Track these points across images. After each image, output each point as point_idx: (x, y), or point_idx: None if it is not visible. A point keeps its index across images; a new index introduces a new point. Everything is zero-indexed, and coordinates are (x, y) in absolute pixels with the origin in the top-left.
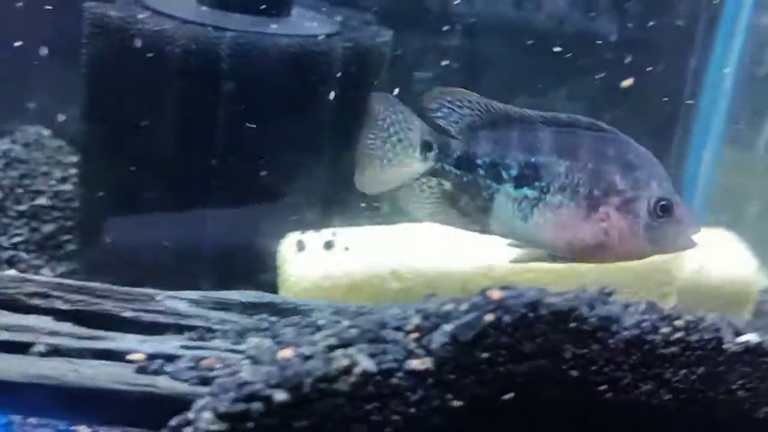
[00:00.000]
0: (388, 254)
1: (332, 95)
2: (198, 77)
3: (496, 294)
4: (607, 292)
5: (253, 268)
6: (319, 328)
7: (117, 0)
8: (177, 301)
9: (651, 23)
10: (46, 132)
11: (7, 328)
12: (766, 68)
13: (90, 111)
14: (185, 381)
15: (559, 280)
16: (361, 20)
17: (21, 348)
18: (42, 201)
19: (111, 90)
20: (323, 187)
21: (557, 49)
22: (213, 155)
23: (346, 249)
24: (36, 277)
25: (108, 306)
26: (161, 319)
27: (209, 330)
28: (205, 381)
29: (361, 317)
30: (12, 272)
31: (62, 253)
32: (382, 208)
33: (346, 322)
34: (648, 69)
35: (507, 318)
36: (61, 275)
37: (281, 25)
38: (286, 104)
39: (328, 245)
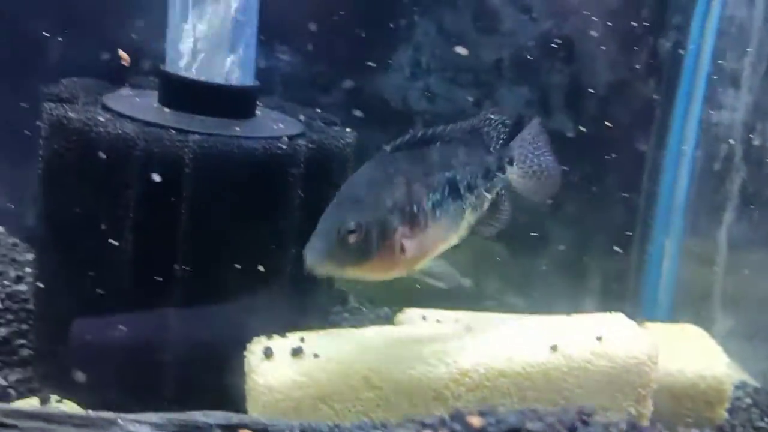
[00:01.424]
0: (359, 360)
1: (296, 197)
2: (160, 180)
3: (475, 421)
4: (587, 412)
5: (222, 374)
6: None
7: (78, 101)
8: (139, 426)
9: (608, 118)
10: (0, 228)
11: None
12: (719, 163)
13: (47, 213)
14: None
15: (534, 386)
16: (325, 120)
17: None
18: None
19: (69, 191)
20: (289, 290)
21: None
22: (176, 260)
23: (315, 356)
24: None
25: None
26: None
27: None
28: None
29: None
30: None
31: (16, 359)
32: (348, 302)
33: None
34: (606, 159)
35: None
36: (16, 382)
37: (245, 126)
38: (251, 207)
39: (296, 352)
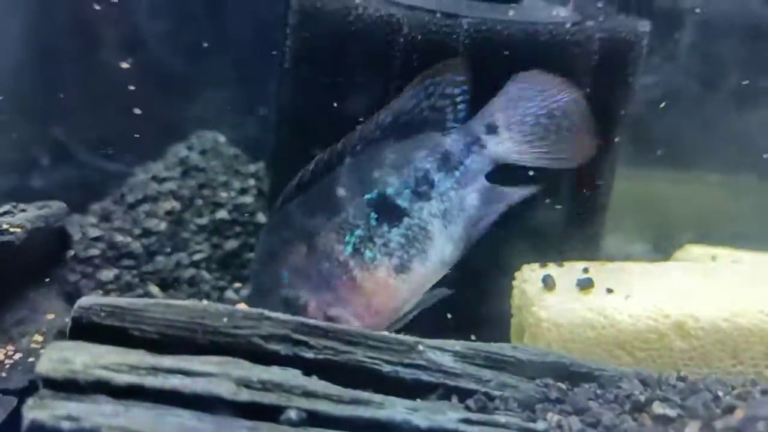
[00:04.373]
0: (668, 301)
1: (588, 93)
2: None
3: None
4: None
5: (478, 300)
6: (638, 407)
7: None
8: (440, 354)
9: None
10: (222, 138)
11: (249, 385)
12: None
13: (292, 113)
14: None
15: None
16: (596, 9)
17: (269, 413)
18: (223, 214)
19: (321, 84)
20: (566, 207)
21: None
22: None
23: (609, 291)
24: (273, 315)
25: (360, 356)
26: (424, 376)
27: (487, 396)
28: None
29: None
30: (242, 307)
31: (247, 273)
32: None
33: (741, 413)
34: None
35: None
36: (248, 298)
37: (518, 11)
38: None
39: (584, 284)
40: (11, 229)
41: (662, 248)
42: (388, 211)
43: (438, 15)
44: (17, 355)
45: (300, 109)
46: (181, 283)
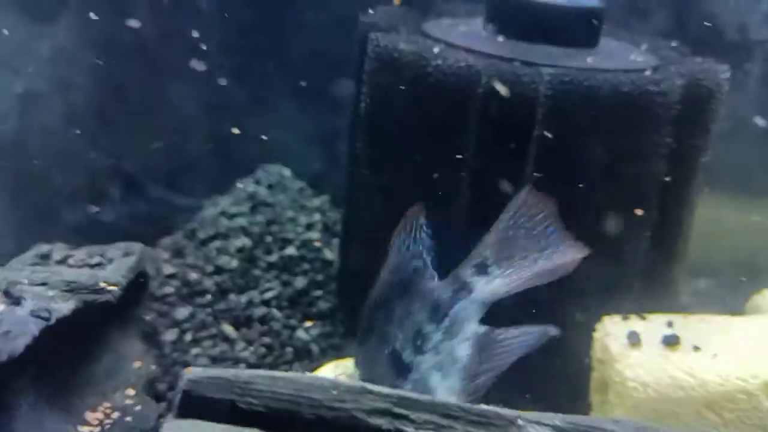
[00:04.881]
0: (756, 359)
1: (669, 144)
2: (512, 123)
3: None
4: None
5: (552, 355)
6: None
7: (399, 30)
8: (539, 428)
9: None
10: (287, 172)
11: None
12: None
13: (365, 156)
14: None
15: None
16: (672, 51)
17: None
18: (291, 251)
19: (396, 133)
20: (643, 256)
21: None
22: None
23: (696, 348)
24: (374, 388)
25: (460, 431)
26: None
27: None
28: None
29: None
30: (342, 378)
31: (315, 311)
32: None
33: None
34: None
35: None
36: (318, 337)
37: (595, 57)
38: (616, 157)
39: (670, 341)
40: (108, 288)
41: (737, 291)
42: (398, 367)
43: (517, 64)
44: (115, 414)
45: (374, 157)
46: (253, 321)
